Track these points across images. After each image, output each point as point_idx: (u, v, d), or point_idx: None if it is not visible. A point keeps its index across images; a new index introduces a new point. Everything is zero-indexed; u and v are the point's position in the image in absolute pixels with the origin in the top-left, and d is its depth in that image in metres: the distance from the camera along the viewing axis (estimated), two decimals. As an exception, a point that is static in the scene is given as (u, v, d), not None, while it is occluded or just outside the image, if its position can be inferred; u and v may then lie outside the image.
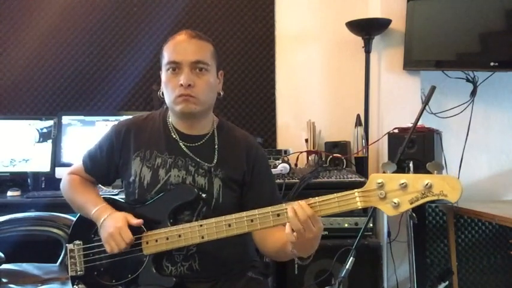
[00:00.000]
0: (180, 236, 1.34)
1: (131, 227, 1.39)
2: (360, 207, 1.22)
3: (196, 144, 1.48)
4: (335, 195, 1.23)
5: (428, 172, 1.19)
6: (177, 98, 1.40)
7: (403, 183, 1.16)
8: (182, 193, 1.41)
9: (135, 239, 1.38)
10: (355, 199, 1.21)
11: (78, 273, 1.46)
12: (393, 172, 1.22)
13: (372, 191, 1.20)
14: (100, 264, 1.45)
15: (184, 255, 1.41)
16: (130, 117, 1.59)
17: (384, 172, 1.23)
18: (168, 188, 1.43)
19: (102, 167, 1.54)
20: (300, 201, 1.23)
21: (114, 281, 1.42)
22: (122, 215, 1.40)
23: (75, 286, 1.45)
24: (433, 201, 2.38)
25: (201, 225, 1.33)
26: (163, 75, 1.44)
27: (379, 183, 1.19)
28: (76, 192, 1.55)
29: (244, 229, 1.30)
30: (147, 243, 1.38)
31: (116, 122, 1.60)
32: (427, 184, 1.14)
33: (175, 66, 1.40)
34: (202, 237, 1.32)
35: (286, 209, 1.24)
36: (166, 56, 1.42)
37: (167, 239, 1.36)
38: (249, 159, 1.49)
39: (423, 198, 1.15)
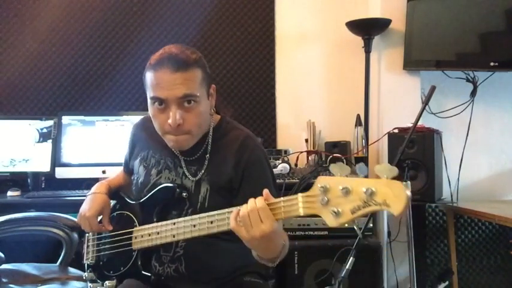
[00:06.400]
0: (158, 233, 1.34)
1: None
2: (302, 215, 1.03)
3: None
4: (281, 199, 1.08)
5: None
6: (166, 135, 1.34)
7: (344, 189, 0.95)
8: (163, 192, 1.41)
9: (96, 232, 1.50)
10: (298, 205, 1.03)
11: (90, 261, 1.52)
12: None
13: (315, 196, 1.01)
14: (104, 255, 1.50)
15: (171, 257, 1.39)
16: (143, 116, 1.58)
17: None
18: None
19: (130, 168, 1.59)
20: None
21: (111, 272, 1.46)
22: (100, 205, 1.47)
23: (85, 273, 1.52)
24: (432, 201, 2.44)
25: (174, 224, 1.31)
26: (149, 105, 1.33)
27: (321, 187, 0.99)
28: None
29: (205, 231, 1.23)
30: (135, 238, 1.41)
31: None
32: (367, 190, 0.92)
33: (161, 102, 1.28)
34: (174, 236, 1.30)
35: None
36: (150, 89, 1.30)
37: (149, 235, 1.37)
38: (239, 164, 1.36)
39: (365, 208, 0.94)
